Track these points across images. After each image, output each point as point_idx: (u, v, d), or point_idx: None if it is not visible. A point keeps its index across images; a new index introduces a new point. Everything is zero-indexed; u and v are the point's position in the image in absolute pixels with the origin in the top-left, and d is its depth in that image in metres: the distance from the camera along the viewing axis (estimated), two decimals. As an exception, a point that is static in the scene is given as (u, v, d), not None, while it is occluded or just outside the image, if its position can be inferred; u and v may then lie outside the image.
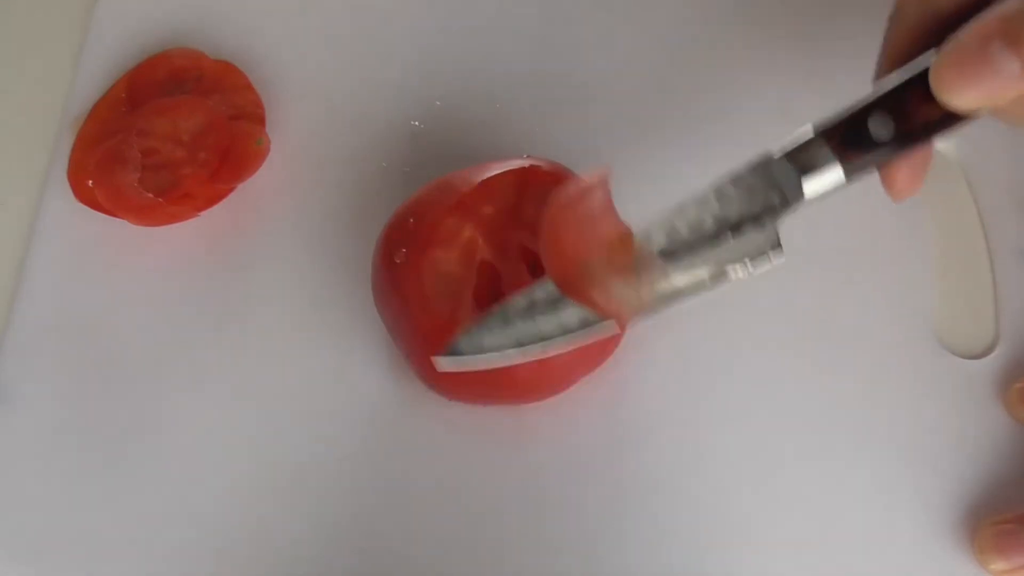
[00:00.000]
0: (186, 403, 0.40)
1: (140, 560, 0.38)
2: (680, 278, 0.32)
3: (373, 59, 0.47)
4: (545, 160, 0.40)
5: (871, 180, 0.44)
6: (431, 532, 0.38)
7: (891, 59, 0.33)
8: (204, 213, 0.43)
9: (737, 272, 0.32)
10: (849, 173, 0.31)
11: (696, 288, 0.32)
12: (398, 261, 0.38)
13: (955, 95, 0.29)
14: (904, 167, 0.33)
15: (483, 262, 0.37)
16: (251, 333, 0.41)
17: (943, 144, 0.46)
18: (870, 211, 0.44)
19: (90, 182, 0.42)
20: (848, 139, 0.31)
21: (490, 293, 0.37)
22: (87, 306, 0.42)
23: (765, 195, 0.32)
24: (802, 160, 0.31)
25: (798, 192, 0.31)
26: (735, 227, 0.32)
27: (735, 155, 0.45)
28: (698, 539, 0.38)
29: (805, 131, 0.31)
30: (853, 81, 0.34)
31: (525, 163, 0.39)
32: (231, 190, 0.43)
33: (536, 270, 0.37)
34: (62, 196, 0.43)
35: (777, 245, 0.32)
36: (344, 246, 0.43)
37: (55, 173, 0.44)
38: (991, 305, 0.42)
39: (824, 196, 0.31)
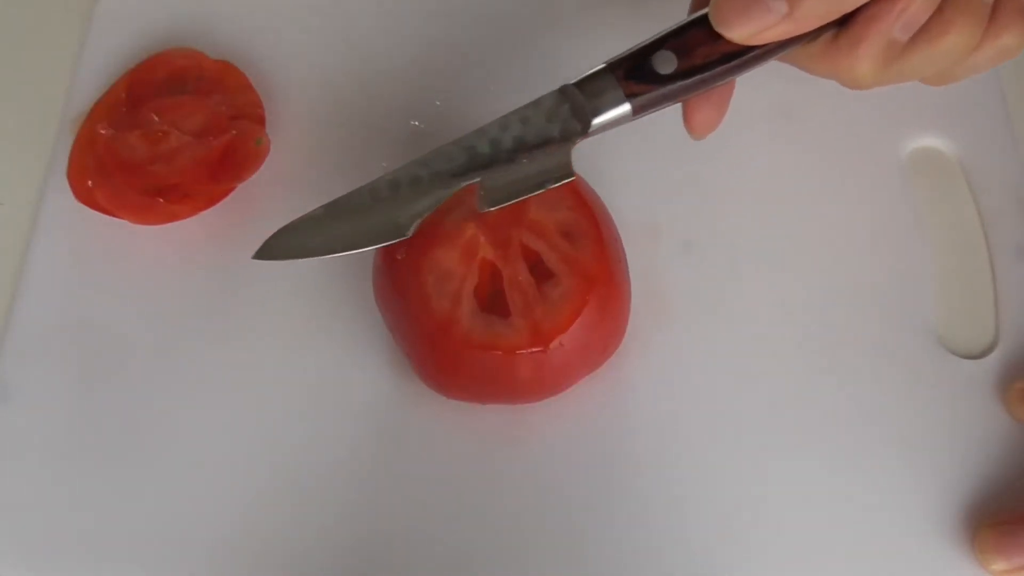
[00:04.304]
0: (186, 402, 0.40)
1: (140, 559, 0.37)
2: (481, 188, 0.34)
3: (373, 59, 0.47)
4: (545, 160, 0.40)
5: (871, 176, 0.45)
6: (431, 531, 0.38)
7: (697, 2, 0.36)
8: (204, 213, 0.43)
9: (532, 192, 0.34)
10: (635, 105, 0.34)
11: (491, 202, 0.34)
12: (399, 259, 0.38)
13: (730, 28, 0.32)
14: (700, 104, 0.36)
15: (484, 260, 0.37)
16: (251, 333, 0.41)
17: (943, 143, 0.46)
18: (870, 211, 0.44)
19: (90, 182, 0.42)
20: (633, 72, 0.34)
21: (491, 291, 0.37)
22: (87, 305, 0.42)
23: (561, 121, 0.34)
24: (590, 89, 0.34)
25: (587, 118, 0.34)
26: (530, 149, 0.34)
27: (734, 154, 0.45)
28: (698, 539, 0.38)
29: (598, 66, 0.34)
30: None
31: (525, 163, 0.39)
32: (231, 190, 0.43)
33: (537, 269, 0.37)
34: (62, 196, 0.43)
35: (568, 168, 0.34)
36: (344, 246, 0.43)
37: (55, 173, 0.44)
38: (991, 305, 0.42)
39: (612, 124, 0.34)
